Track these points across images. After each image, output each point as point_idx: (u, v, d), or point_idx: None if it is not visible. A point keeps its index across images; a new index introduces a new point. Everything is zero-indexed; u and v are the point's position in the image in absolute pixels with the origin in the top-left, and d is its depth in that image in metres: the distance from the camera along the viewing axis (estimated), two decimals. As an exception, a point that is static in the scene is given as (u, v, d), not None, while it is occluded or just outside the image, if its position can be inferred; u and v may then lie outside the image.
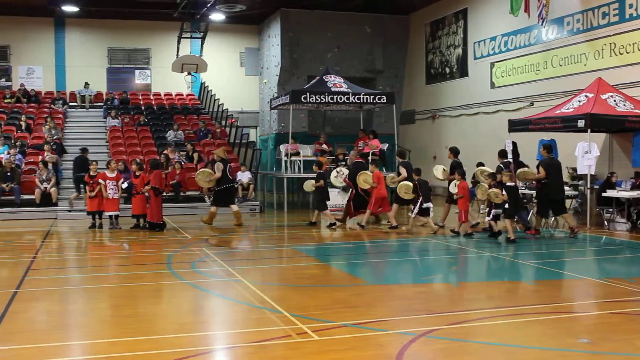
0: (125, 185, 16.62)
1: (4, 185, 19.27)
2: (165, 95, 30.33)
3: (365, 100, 21.81)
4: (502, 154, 15.67)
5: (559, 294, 8.85)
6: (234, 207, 16.84)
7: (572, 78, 19.66)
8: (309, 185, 17.21)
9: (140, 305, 8.02)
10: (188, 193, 20.95)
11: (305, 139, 25.27)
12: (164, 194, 15.89)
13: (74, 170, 19.94)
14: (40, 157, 20.85)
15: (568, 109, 16.63)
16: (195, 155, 22.25)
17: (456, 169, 15.39)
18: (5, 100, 27.34)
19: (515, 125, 17.86)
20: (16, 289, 8.82)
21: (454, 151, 16.21)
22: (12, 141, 22.41)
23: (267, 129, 29.10)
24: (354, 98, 21.56)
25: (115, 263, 11.98)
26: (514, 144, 16.42)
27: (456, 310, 7.58)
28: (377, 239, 14.56)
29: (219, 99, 27.30)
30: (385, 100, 22.05)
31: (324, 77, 22.14)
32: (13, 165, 19.73)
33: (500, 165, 15.14)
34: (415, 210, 15.08)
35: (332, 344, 6.22)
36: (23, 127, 24.15)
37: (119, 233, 15.51)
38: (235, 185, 18.51)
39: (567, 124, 16.16)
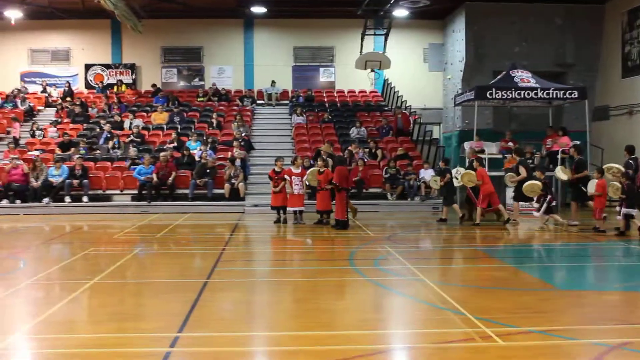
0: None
1: (198, 181, 20.61)
2: (348, 92, 30.83)
3: (554, 96, 20.90)
4: (630, 149, 15.32)
5: None
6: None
7: None
8: (509, 179, 17.31)
9: (323, 300, 8.18)
10: (370, 190, 21.18)
11: (490, 136, 24.59)
12: (349, 190, 16.11)
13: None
14: (229, 154, 22.00)
15: None
16: (379, 152, 22.41)
17: (588, 167, 15.27)
18: (199, 99, 29.11)
19: None
20: (207, 279, 9.34)
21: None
22: (204, 138, 23.81)
23: (451, 125, 28.69)
24: (542, 93, 20.72)
25: (299, 257, 12.35)
26: None
27: (657, 322, 7.04)
28: (565, 241, 13.90)
29: (401, 95, 27.31)
30: (576, 96, 20.97)
31: (510, 72, 21.46)
32: (213, 163, 21.02)
33: (630, 161, 14.40)
34: (543, 208, 15.29)
35: (517, 350, 6.00)
36: (214, 124, 25.58)
37: (303, 228, 15.98)
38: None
39: None
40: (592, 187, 14.94)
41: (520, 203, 16.79)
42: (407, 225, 16.61)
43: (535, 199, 15.98)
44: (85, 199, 20.57)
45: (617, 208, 14.33)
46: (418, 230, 15.94)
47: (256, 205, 20.01)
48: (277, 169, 16.87)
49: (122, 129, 25.04)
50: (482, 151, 21.75)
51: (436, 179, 17.88)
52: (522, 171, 16.45)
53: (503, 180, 18.23)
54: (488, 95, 20.72)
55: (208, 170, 20.84)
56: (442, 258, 12.18)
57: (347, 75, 30.68)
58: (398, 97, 27.42)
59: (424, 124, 24.17)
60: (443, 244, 14.05)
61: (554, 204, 15.67)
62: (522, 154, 17.55)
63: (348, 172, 16.04)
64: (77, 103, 27.25)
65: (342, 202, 15.55)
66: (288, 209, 16.69)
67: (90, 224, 17.42)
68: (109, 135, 23.84)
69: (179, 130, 24.72)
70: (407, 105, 26.51)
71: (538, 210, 15.80)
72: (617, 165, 15.28)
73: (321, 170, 16.22)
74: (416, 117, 26.15)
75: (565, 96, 20.96)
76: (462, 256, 12.46)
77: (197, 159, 21.78)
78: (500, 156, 20.93)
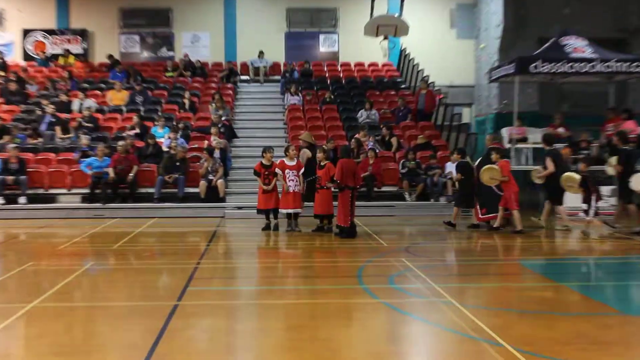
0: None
1: (166, 177, 20.55)
2: (355, 65, 30.82)
3: (617, 69, 20.87)
4: None
5: None
6: None
7: None
8: (535, 175, 17.38)
9: (324, 328, 8.13)
10: (384, 189, 21.13)
11: (535, 120, 24.54)
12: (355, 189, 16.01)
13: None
14: (206, 142, 21.95)
15: None
16: (394, 141, 22.36)
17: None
18: (167, 74, 29.13)
19: None
20: (177, 302, 9.28)
21: None
22: (174, 123, 23.76)
23: (485, 107, 28.67)
24: (601, 66, 20.71)
25: (294, 274, 12.29)
26: None
27: None
28: (628, 252, 13.85)
29: (422, 69, 27.29)
30: (644, 69, 20.98)
31: (559, 40, 21.42)
32: (185, 154, 20.98)
33: None
34: (592, 211, 15.52)
35: (571, 392, 5.95)
36: (186, 106, 25.56)
37: (299, 237, 15.93)
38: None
39: None
40: (638, 183, 15.15)
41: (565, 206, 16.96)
42: (430, 232, 16.56)
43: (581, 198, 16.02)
44: (22, 199, 20.53)
45: None
46: (444, 239, 15.87)
47: (240, 208, 19.98)
48: (265, 161, 16.80)
49: (69, 111, 25.02)
50: (524, 139, 21.72)
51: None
52: (549, 164, 16.55)
53: (529, 176, 18.26)
54: (532, 69, 20.70)
55: (178, 164, 20.82)
56: (474, 274, 12.11)
57: (354, 44, 30.69)
58: (418, 71, 27.40)
59: (451, 105, 24.11)
60: (475, 257, 13.98)
61: (599, 204, 15.74)
62: (552, 142, 17.60)
63: (355, 166, 15.94)
64: (13, 78, 27.22)
65: (346, 204, 15.45)
66: (281, 211, 16.63)
67: (29, 232, 17.38)
68: (53, 120, 23.80)
69: (141, 114, 24.70)
70: (429, 81, 26.48)
71: (586, 212, 15.80)
72: None
73: (322, 163, 16.16)
74: (441, 96, 26.11)
75: (630, 70, 20.92)
76: (499, 272, 12.40)
77: (164, 149, 21.74)
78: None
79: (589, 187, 15.55)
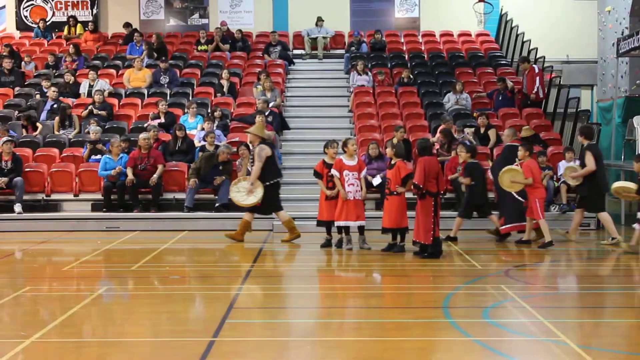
0: (377, 180, 16.96)
1: (214, 181, 20.41)
2: (441, 36, 30.73)
3: None
4: None
5: None
6: (283, 215, 17.46)
7: None
8: (568, 174, 17.84)
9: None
10: (477, 195, 21.07)
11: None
12: (439, 195, 15.99)
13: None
14: (249, 136, 22.06)
15: None
16: (491, 134, 22.27)
17: None
18: (200, 48, 29.27)
19: None
20: (213, 337, 9.40)
21: None
22: (208, 110, 23.91)
23: (611, 89, 28.36)
24: None
25: (360, 304, 12.28)
26: None
27: None
28: None
29: (529, 40, 27.12)
30: None
31: None
32: (228, 156, 20.70)
33: None
34: None
35: None
36: (224, 89, 25.66)
37: (366, 257, 15.99)
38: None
39: None
40: None
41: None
42: (537, 251, 16.46)
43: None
44: (17, 207, 20.61)
45: None
46: (556, 261, 15.81)
47: (292, 219, 20.04)
48: (328, 159, 16.74)
49: (77, 95, 25.38)
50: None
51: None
52: (589, 161, 16.62)
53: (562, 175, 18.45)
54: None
55: (221, 168, 20.66)
56: (595, 307, 12.05)
57: (440, 8, 30.61)
58: (523, 42, 27.23)
59: (566, 87, 23.94)
60: (598, 284, 13.93)
61: None
62: (592, 135, 17.75)
63: (439, 166, 15.89)
64: (5, 54, 27.68)
65: (428, 215, 15.32)
66: (337, 224, 16.47)
67: (26, 248, 17.66)
68: (55, 106, 24.12)
69: (168, 98, 24.97)
70: (537, 56, 26.30)
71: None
72: None
73: (392, 162, 16.10)
74: (553, 75, 25.92)
75: None
76: (632, 304, 12.32)
77: (197, 144, 21.86)
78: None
79: None
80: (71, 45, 28.67)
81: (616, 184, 16.76)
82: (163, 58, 27.11)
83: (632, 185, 16.22)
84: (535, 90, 24.70)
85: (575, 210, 17.64)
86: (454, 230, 17.59)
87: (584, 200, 17.30)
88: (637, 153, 17.94)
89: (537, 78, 24.79)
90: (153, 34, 28.79)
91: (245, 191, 17.05)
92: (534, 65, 25.22)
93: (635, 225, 16.03)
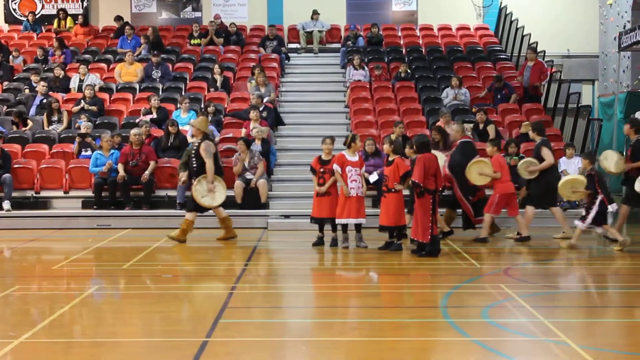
0: (374, 177, 16.93)
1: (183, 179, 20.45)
2: (440, 29, 30.75)
3: None
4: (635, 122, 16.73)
5: None
6: (220, 212, 17.63)
7: None
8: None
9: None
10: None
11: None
12: (437, 193, 15.95)
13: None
14: (243, 131, 22.02)
15: None
16: (490, 129, 22.26)
17: None
18: (193, 42, 29.27)
19: None
20: (206, 338, 9.39)
21: None
22: (201, 105, 23.89)
23: (613, 84, 28.38)
24: None
25: (358, 304, 12.30)
26: None
27: None
28: None
29: (529, 34, 27.14)
30: None
31: None
32: (219, 149, 20.76)
33: None
34: (591, 217, 15.93)
35: None
36: (218, 83, 25.67)
37: (363, 255, 15.97)
38: None
39: None
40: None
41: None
42: (538, 250, 16.50)
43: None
44: (6, 204, 20.63)
45: None
46: (556, 259, 15.81)
47: (287, 217, 20.02)
48: (324, 156, 16.68)
49: (67, 90, 25.36)
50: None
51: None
52: (547, 155, 17.00)
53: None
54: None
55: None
56: (596, 306, 12.05)
57: (438, 1, 30.60)
58: (523, 36, 27.24)
59: (567, 82, 23.93)
60: (596, 282, 13.97)
61: (610, 209, 16.12)
62: (544, 131, 18.14)
63: (437, 163, 15.83)
64: (-7, 48, 27.62)
65: (426, 212, 15.28)
66: (338, 221, 16.47)
67: (15, 247, 17.65)
68: (45, 101, 24.11)
69: (160, 93, 24.95)
70: (538, 50, 26.31)
71: (584, 218, 16.20)
72: None
73: (390, 158, 16.09)
74: (553, 69, 25.92)
75: None
76: (633, 303, 12.33)
77: (190, 139, 21.87)
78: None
79: (596, 189, 15.96)
80: (54, 39, 28.63)
81: (566, 177, 16.95)
82: (155, 52, 27.12)
83: (582, 178, 16.43)
84: (544, 83, 24.77)
85: (526, 208, 17.69)
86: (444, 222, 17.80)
87: (531, 197, 17.58)
88: (585, 151, 18.13)
89: (547, 72, 24.93)
90: (150, 28, 28.79)
91: (205, 190, 16.97)
92: (536, 60, 25.23)
93: (576, 222, 16.34)
